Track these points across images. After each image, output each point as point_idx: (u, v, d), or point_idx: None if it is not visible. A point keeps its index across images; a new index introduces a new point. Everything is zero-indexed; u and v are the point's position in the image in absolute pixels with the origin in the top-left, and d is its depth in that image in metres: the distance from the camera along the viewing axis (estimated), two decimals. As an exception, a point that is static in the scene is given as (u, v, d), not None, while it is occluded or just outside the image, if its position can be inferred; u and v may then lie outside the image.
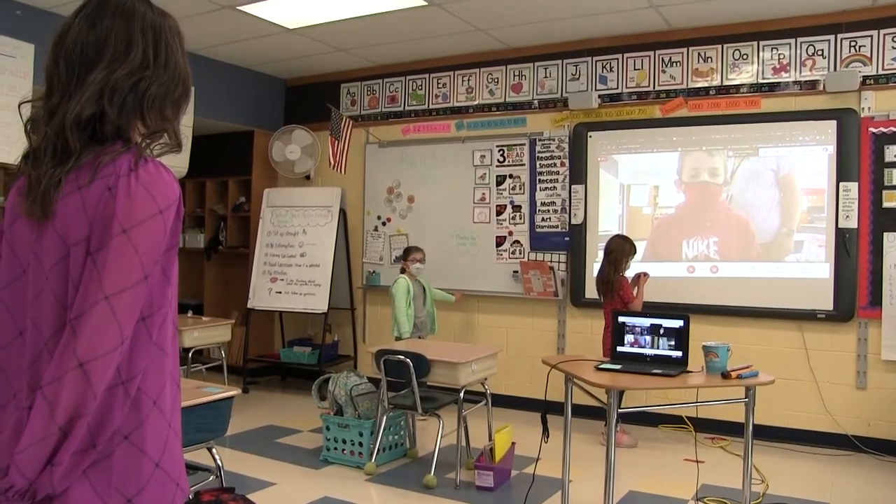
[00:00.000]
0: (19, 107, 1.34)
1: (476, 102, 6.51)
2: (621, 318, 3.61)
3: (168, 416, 1.29)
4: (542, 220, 6.14)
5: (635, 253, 5.20)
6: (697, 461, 4.19)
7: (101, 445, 1.18)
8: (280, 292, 6.85)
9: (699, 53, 5.59)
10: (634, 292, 5.10)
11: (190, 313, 6.46)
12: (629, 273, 5.18)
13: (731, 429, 4.99)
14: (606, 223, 5.86)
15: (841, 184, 5.07)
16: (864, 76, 5.03)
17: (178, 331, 1.75)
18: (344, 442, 4.60)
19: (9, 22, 5.02)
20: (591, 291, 5.60)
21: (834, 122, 5.11)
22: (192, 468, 3.13)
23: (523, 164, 6.23)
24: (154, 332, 1.24)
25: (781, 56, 5.31)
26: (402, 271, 5.70)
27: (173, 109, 1.34)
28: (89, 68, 1.24)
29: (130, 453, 1.22)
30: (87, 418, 1.14)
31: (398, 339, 5.39)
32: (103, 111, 1.23)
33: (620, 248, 5.14)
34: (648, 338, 3.48)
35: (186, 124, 5.74)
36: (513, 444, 4.34)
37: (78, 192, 1.20)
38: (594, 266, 5.69)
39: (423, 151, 6.71)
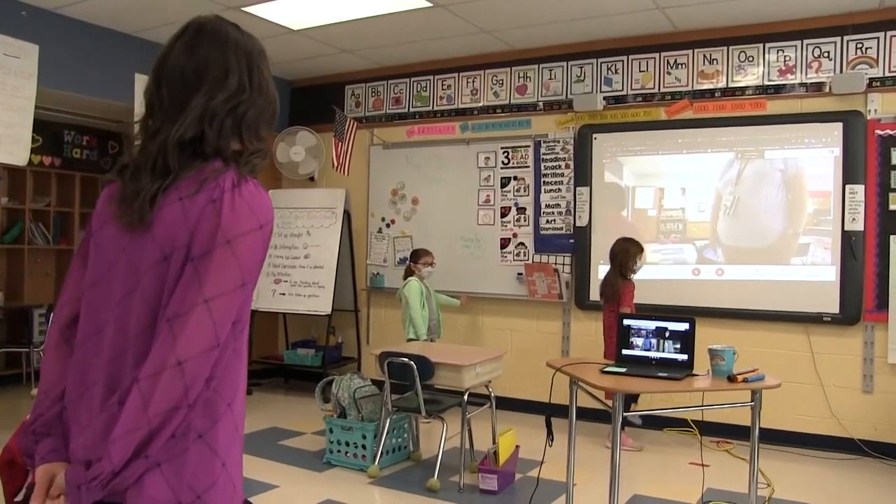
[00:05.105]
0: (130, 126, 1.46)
1: (481, 104, 6.50)
2: (626, 321, 3.59)
3: (238, 421, 1.36)
4: (547, 222, 6.13)
5: (642, 251, 5.13)
6: (703, 465, 4.16)
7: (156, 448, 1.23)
8: (284, 294, 6.85)
9: (705, 55, 5.57)
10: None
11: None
12: (637, 276, 5.12)
13: (736, 432, 4.97)
14: (611, 225, 5.84)
15: (847, 186, 5.05)
16: (870, 78, 5.01)
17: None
18: (347, 444, 4.58)
19: (14, 22, 5.02)
20: (595, 294, 5.58)
21: (840, 125, 5.08)
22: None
23: (528, 166, 6.21)
24: (237, 338, 1.32)
25: (787, 58, 5.29)
26: (410, 273, 5.68)
27: (267, 130, 1.45)
28: (190, 93, 1.34)
29: (203, 452, 1.28)
30: (182, 411, 1.22)
31: (412, 340, 5.38)
32: (203, 133, 1.33)
33: (625, 251, 5.08)
34: (654, 341, 3.46)
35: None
36: (517, 447, 4.32)
37: (179, 203, 1.28)
38: (599, 268, 5.68)
39: (428, 153, 6.70)
